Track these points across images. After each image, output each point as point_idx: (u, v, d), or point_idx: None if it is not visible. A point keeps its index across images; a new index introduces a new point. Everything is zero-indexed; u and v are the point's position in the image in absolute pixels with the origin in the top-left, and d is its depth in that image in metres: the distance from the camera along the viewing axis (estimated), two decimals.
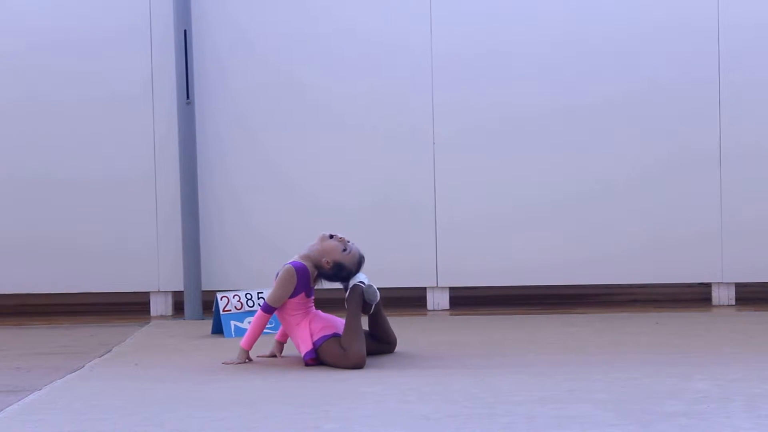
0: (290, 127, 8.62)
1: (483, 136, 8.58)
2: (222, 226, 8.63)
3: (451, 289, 8.69)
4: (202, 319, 8.33)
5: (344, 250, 6.31)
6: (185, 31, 8.42)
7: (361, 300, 6.29)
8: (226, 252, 8.63)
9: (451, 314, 8.44)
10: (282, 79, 8.61)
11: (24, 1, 8.62)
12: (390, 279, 8.28)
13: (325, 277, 6.36)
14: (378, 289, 6.36)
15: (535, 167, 8.57)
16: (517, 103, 8.56)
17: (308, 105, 8.60)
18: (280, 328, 6.50)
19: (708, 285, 8.69)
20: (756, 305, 8.52)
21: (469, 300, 8.86)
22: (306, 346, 6.20)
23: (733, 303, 8.56)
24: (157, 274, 8.64)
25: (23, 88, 8.61)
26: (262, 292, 7.48)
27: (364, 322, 6.38)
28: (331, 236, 6.34)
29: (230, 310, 7.48)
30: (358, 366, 6.08)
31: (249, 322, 7.10)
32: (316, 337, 6.20)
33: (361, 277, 6.37)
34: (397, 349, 6.58)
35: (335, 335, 6.20)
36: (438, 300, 8.67)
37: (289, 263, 6.29)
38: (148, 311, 8.67)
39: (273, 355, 6.53)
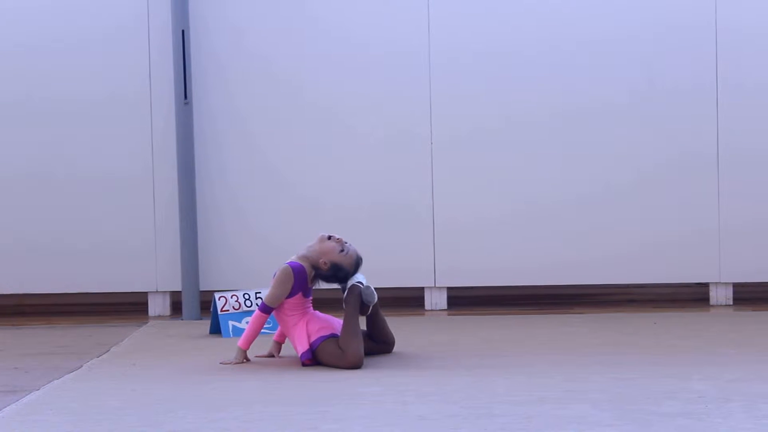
0: (288, 127, 8.62)
1: (481, 137, 8.58)
2: (220, 227, 8.63)
3: (449, 289, 8.69)
4: (200, 319, 8.32)
5: (341, 250, 6.31)
6: (183, 31, 8.42)
7: (359, 300, 6.29)
8: (224, 252, 8.62)
9: (449, 314, 8.44)
10: (280, 80, 8.60)
11: (23, 2, 8.61)
12: (388, 279, 8.29)
13: (322, 278, 6.35)
14: (376, 289, 6.36)
15: (533, 169, 8.58)
16: (514, 105, 8.56)
17: (306, 105, 8.60)
18: (278, 328, 6.50)
19: (706, 285, 8.69)
20: (753, 305, 8.53)
21: (467, 300, 8.86)
22: (303, 347, 6.19)
23: (731, 303, 8.57)
24: (155, 274, 8.64)
25: (22, 88, 8.60)
26: (260, 292, 7.47)
27: (362, 323, 6.38)
28: (330, 237, 6.34)
29: (228, 310, 7.48)
30: (356, 366, 6.08)
31: (247, 322, 7.10)
32: (313, 338, 6.20)
33: (359, 278, 6.37)
34: (395, 349, 6.58)
35: (333, 336, 6.20)
36: (436, 300, 8.67)
37: (287, 263, 6.29)
38: (146, 311, 8.67)
39: (271, 356, 6.53)
